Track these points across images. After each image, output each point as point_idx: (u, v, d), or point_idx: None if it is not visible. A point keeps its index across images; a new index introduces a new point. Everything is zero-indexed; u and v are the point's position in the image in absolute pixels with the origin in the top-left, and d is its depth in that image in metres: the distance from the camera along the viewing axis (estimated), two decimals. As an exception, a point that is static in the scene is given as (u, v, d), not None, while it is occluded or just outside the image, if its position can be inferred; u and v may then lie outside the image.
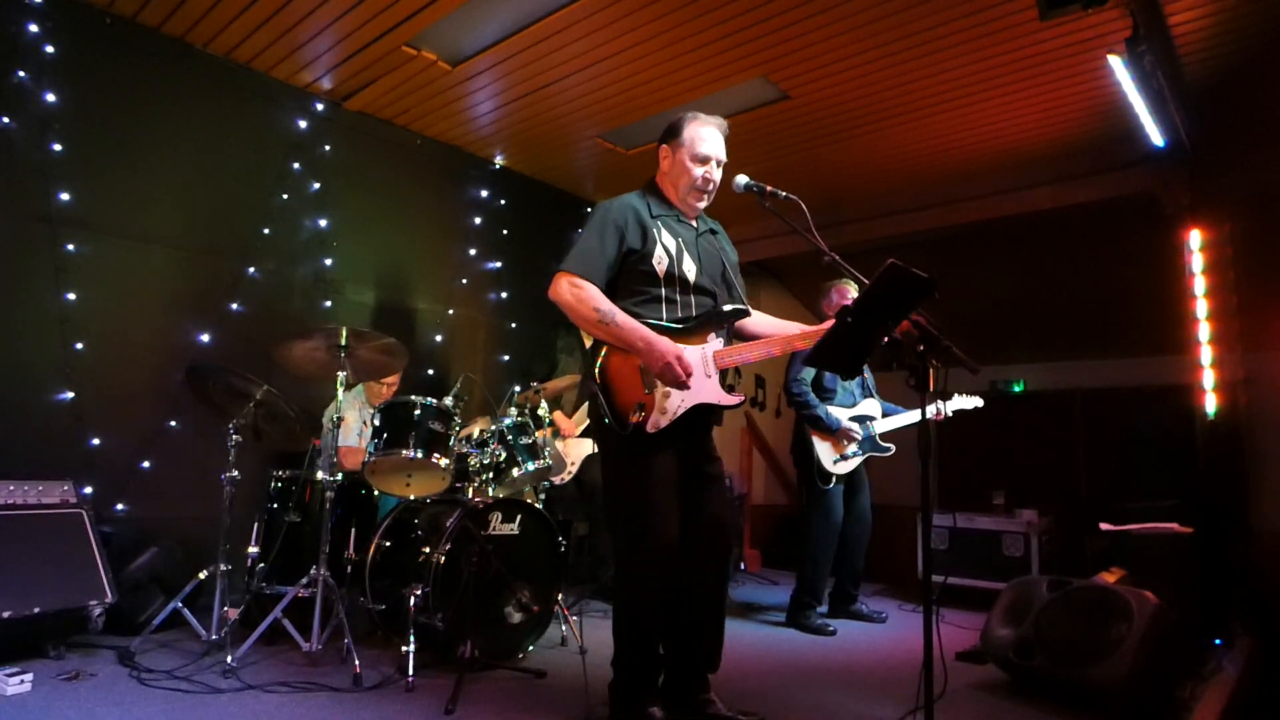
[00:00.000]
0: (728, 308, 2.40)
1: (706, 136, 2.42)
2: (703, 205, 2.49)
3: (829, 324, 2.28)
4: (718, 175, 2.45)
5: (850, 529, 4.13)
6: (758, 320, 2.54)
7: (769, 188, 2.35)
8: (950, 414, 4.10)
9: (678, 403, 2.26)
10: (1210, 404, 4.36)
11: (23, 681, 2.45)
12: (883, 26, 3.59)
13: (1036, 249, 5.82)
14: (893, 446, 4.15)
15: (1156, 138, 4.19)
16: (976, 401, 4.22)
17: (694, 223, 2.51)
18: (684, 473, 2.35)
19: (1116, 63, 3.60)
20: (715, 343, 2.36)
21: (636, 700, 2.30)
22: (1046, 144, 4.67)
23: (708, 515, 2.40)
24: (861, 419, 4.11)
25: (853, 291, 4.14)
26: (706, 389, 2.30)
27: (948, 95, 4.17)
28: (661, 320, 2.32)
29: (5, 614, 2.64)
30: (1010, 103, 4.22)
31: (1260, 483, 4.45)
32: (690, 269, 2.39)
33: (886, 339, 1.88)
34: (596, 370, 2.27)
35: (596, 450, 4.31)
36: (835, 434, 4.02)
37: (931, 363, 1.85)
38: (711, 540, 2.42)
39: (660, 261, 2.34)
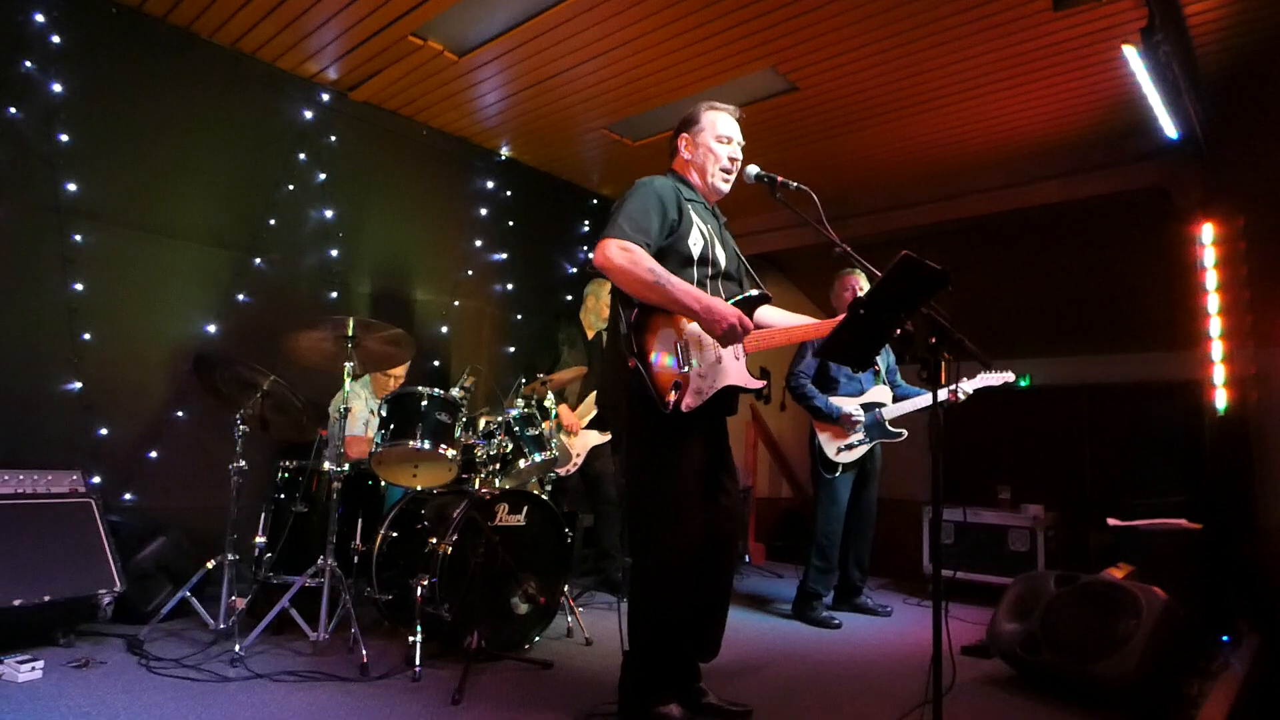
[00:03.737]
0: (755, 292, 2.42)
1: (725, 118, 2.47)
2: (727, 188, 2.49)
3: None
4: (740, 156, 2.47)
5: (854, 521, 4.11)
6: (769, 311, 2.55)
7: (780, 178, 2.34)
8: (970, 393, 3.84)
9: (710, 383, 2.25)
10: (1220, 400, 4.32)
11: (33, 669, 2.47)
12: (893, 17, 3.56)
13: (1046, 243, 5.77)
14: (904, 431, 4.05)
15: (1170, 130, 4.15)
16: (1007, 376, 3.91)
17: (713, 211, 2.53)
18: (707, 461, 2.34)
19: (1131, 53, 3.56)
20: None
21: (653, 698, 2.25)
22: (1058, 136, 4.63)
23: (720, 504, 2.40)
24: (868, 406, 4.07)
25: (861, 281, 4.11)
26: (736, 371, 2.31)
27: (958, 87, 4.13)
28: None
29: (16, 602, 2.66)
30: (1022, 95, 4.18)
31: (1269, 479, 4.42)
32: (721, 255, 2.41)
33: (899, 331, 1.86)
34: (635, 348, 2.22)
35: (607, 440, 4.30)
36: (836, 422, 4.00)
37: (943, 355, 1.83)
38: (722, 529, 2.41)
39: (695, 243, 2.34)
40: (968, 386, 3.87)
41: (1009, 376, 3.92)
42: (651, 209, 2.27)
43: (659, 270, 2.18)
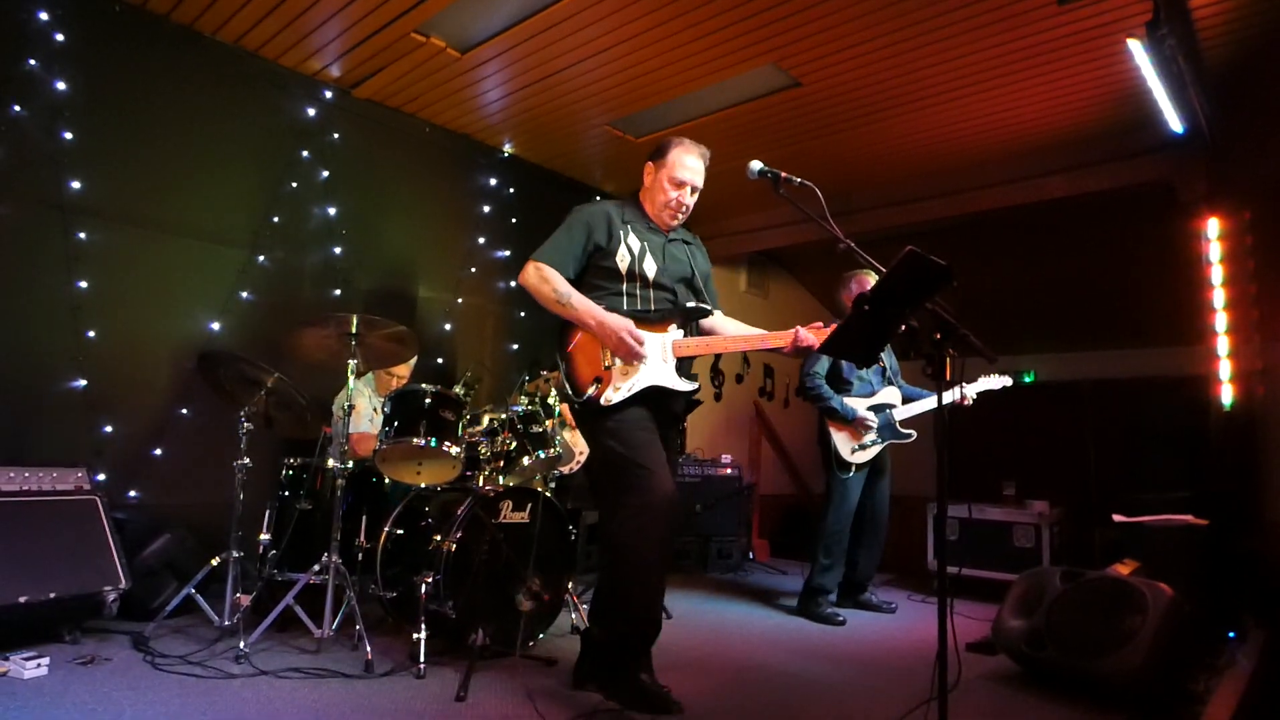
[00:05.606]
0: (689, 304, 2.63)
1: (688, 164, 2.64)
2: (676, 223, 2.70)
3: (794, 330, 2.49)
4: (690, 201, 2.67)
5: (867, 517, 4.13)
6: (723, 322, 2.75)
7: (783, 174, 2.34)
8: (974, 397, 4.07)
9: (631, 381, 2.45)
10: (1226, 395, 4.30)
11: (39, 665, 2.48)
12: (896, 11, 3.54)
13: (1049, 238, 5.76)
14: (914, 433, 4.12)
15: (1175, 124, 4.13)
16: (1005, 380, 4.18)
17: (666, 233, 2.70)
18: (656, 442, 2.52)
19: (1136, 47, 3.55)
20: (675, 333, 2.56)
21: (632, 667, 2.38)
22: (1062, 131, 4.61)
23: None
24: (880, 407, 4.09)
25: (873, 281, 4.11)
26: (662, 373, 2.50)
27: (962, 81, 4.12)
28: (622, 311, 2.54)
29: (21, 599, 2.67)
30: (1026, 89, 4.16)
31: (1275, 474, 4.40)
32: (650, 267, 2.59)
33: (904, 327, 1.85)
34: (560, 345, 2.54)
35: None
36: (851, 424, 4.02)
37: (948, 351, 1.82)
38: None
39: (623, 259, 2.56)
40: (971, 390, 4.04)
41: (1007, 381, 4.20)
42: (575, 234, 2.58)
43: (562, 290, 2.49)
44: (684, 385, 2.53)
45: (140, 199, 3.73)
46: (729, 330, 2.73)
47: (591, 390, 2.43)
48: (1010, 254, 5.95)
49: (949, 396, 4.19)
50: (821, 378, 4.05)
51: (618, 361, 2.46)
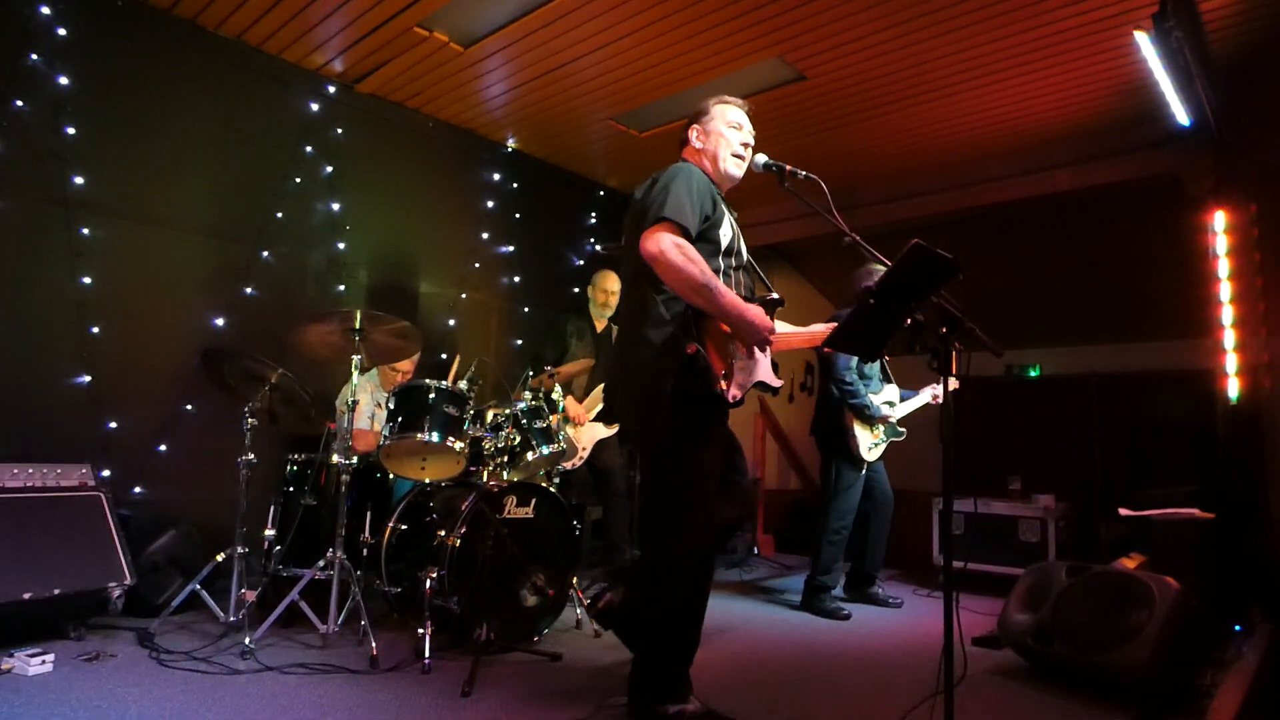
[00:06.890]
0: (776, 295, 2.42)
1: (734, 109, 2.49)
2: (739, 174, 2.49)
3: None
4: (751, 143, 2.49)
5: (875, 511, 4.17)
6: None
7: (789, 167, 2.33)
8: (932, 400, 4.21)
9: (748, 377, 2.28)
10: (1232, 388, 4.28)
11: (44, 662, 2.48)
12: (902, 3, 3.52)
13: (1055, 231, 5.73)
14: (905, 431, 4.19)
15: (1182, 117, 4.10)
16: (937, 390, 4.27)
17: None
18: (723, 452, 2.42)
19: (1143, 39, 3.52)
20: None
21: (670, 695, 2.21)
22: (1069, 124, 4.58)
23: (734, 483, 2.59)
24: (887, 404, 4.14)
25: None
26: (763, 369, 2.34)
27: (967, 75, 4.10)
28: None
29: (26, 595, 2.67)
30: (1031, 82, 4.14)
31: (1281, 468, 4.39)
32: (743, 247, 2.44)
33: (910, 321, 1.84)
34: (696, 330, 2.19)
35: (614, 433, 4.28)
36: (875, 422, 4.07)
37: (954, 345, 1.81)
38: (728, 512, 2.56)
39: (725, 234, 2.32)
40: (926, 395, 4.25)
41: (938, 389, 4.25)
42: (696, 197, 2.23)
43: (709, 274, 2.14)
44: (778, 382, 2.37)
45: (143, 194, 3.73)
46: (780, 325, 2.52)
47: (722, 385, 2.17)
48: (1016, 247, 5.92)
49: (928, 395, 4.17)
50: (855, 374, 4.05)
51: (738, 357, 2.24)
